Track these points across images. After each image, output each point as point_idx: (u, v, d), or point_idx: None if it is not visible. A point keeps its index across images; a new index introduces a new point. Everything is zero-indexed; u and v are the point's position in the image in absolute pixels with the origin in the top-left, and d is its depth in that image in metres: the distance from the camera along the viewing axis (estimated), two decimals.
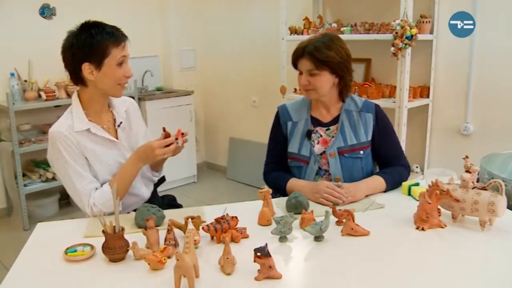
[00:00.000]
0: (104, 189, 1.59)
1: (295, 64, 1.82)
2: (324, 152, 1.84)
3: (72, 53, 1.56)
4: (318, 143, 1.86)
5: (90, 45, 1.54)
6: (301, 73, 1.80)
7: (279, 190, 1.84)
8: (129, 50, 1.63)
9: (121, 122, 1.73)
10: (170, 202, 1.92)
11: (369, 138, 1.84)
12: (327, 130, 1.87)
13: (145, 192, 1.79)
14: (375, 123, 1.85)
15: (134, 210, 1.55)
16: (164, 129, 1.63)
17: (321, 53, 1.72)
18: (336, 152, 1.81)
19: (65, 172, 1.58)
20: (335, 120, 1.87)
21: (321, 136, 1.86)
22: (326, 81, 1.77)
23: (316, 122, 1.88)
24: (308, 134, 1.85)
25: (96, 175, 1.63)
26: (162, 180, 1.96)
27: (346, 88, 1.83)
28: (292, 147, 1.87)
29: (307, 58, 1.75)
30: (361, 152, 1.83)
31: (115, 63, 1.57)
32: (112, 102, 1.74)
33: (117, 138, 1.70)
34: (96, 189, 1.60)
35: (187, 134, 1.66)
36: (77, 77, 1.60)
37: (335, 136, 1.84)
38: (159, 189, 1.97)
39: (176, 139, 1.61)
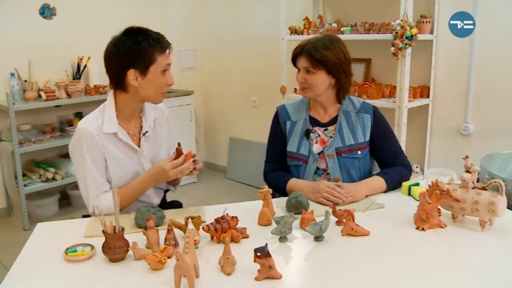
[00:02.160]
0: (109, 196, 1.60)
1: (294, 61, 1.85)
2: (322, 151, 1.85)
3: (118, 59, 1.56)
4: (316, 143, 1.87)
5: (138, 51, 1.54)
6: (299, 71, 1.83)
7: (279, 190, 1.85)
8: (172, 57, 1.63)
9: (146, 131, 1.72)
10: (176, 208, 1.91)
11: (367, 138, 1.85)
12: (325, 130, 1.88)
13: (155, 200, 1.80)
14: (373, 123, 1.86)
15: (134, 210, 1.56)
16: (179, 144, 1.62)
17: (318, 53, 1.75)
18: (334, 152, 1.82)
19: (81, 168, 1.61)
20: (333, 121, 1.88)
21: (319, 136, 1.87)
22: (322, 80, 1.79)
23: (314, 122, 1.89)
24: (307, 134, 1.86)
25: (110, 177, 1.65)
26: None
27: (343, 90, 1.85)
28: (291, 146, 1.88)
29: (304, 56, 1.78)
30: (359, 152, 1.84)
31: (159, 70, 1.58)
32: (144, 109, 1.73)
33: (139, 146, 1.70)
34: (105, 191, 1.62)
35: (197, 155, 1.65)
36: (119, 83, 1.60)
37: (333, 136, 1.85)
38: None
39: (193, 156, 1.60)
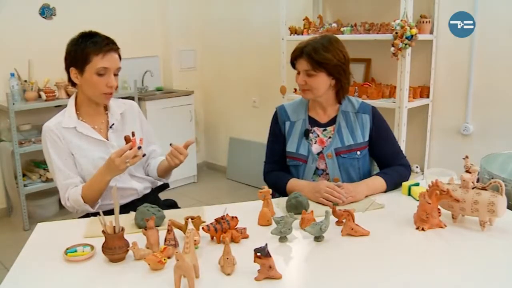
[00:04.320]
0: (78, 189, 1.65)
1: (293, 63, 1.84)
2: (321, 152, 1.85)
3: (65, 58, 1.71)
4: (315, 143, 1.87)
5: (74, 51, 1.67)
6: (299, 73, 1.82)
7: (279, 190, 1.85)
8: (119, 62, 1.70)
9: (113, 124, 1.79)
10: (171, 207, 1.92)
11: (366, 139, 1.85)
12: (324, 130, 1.88)
13: (137, 185, 1.82)
14: (371, 124, 1.86)
15: (133, 208, 1.56)
16: (133, 134, 1.59)
17: (318, 55, 1.74)
18: (333, 152, 1.82)
19: (50, 164, 1.72)
20: (332, 121, 1.88)
21: (318, 136, 1.87)
22: (322, 82, 1.78)
23: (313, 122, 1.89)
24: (306, 134, 1.86)
25: (81, 168, 1.71)
26: (165, 186, 1.98)
27: (343, 90, 1.85)
28: (290, 147, 1.88)
29: (304, 58, 1.77)
30: (358, 152, 1.84)
31: (94, 71, 1.65)
32: (110, 105, 1.81)
33: (107, 138, 1.76)
34: (76, 186, 1.67)
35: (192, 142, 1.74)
36: (70, 80, 1.73)
37: (332, 137, 1.85)
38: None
39: (139, 147, 1.57)
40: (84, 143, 1.72)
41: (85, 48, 1.64)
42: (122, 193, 1.75)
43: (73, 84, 1.73)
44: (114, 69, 1.69)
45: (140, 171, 1.87)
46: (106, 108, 1.81)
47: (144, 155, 1.61)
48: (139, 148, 1.57)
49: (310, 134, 1.88)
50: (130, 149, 1.56)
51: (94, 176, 1.65)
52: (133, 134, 1.60)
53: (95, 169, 1.67)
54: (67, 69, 1.70)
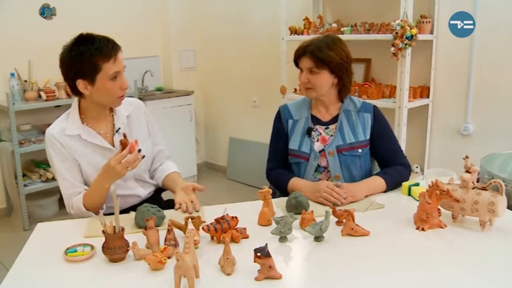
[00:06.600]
0: (79, 198, 1.62)
1: (296, 62, 1.86)
2: (323, 149, 1.85)
3: (66, 70, 1.59)
4: (317, 141, 1.88)
5: (80, 62, 1.55)
6: (302, 71, 1.84)
7: (280, 188, 1.86)
8: (123, 60, 1.62)
9: (119, 128, 1.74)
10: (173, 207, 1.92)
11: (367, 137, 1.86)
12: (326, 128, 1.89)
13: (142, 191, 1.83)
14: (373, 122, 1.87)
15: (134, 210, 1.56)
16: (124, 136, 1.57)
17: (322, 53, 1.76)
18: (335, 150, 1.83)
19: (54, 171, 1.70)
20: (334, 120, 1.89)
21: (320, 134, 1.88)
22: (325, 80, 1.79)
23: (316, 120, 1.91)
24: (308, 132, 1.87)
25: (87, 175, 1.67)
26: None
27: (345, 89, 1.86)
28: (293, 144, 1.89)
29: (308, 56, 1.79)
30: (359, 150, 1.85)
31: (107, 78, 1.57)
32: (115, 108, 1.74)
33: (113, 144, 1.72)
34: (80, 193, 1.64)
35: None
36: (74, 91, 1.63)
37: (334, 135, 1.86)
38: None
39: (139, 150, 1.53)
40: (89, 150, 1.67)
41: (92, 57, 1.53)
42: (126, 199, 1.74)
43: (76, 94, 1.64)
44: (123, 69, 1.63)
45: (146, 174, 1.86)
46: (111, 109, 1.75)
47: (143, 157, 1.56)
48: (139, 151, 1.53)
49: (313, 132, 1.88)
50: (130, 153, 1.51)
51: (92, 184, 1.62)
52: (124, 136, 1.57)
53: None
54: (72, 81, 1.58)
